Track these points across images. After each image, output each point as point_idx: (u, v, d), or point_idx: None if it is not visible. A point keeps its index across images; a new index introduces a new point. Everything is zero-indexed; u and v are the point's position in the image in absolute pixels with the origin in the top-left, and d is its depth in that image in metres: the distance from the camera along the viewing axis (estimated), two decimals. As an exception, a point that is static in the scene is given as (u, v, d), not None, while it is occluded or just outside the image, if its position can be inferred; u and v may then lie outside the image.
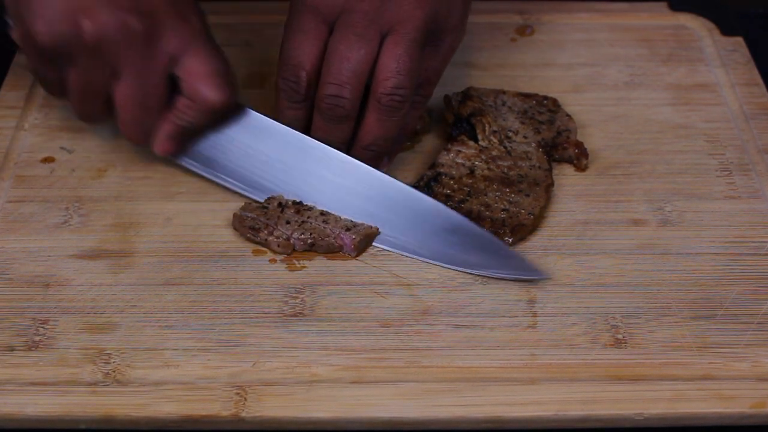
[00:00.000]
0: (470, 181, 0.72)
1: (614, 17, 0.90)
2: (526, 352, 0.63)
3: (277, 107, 0.72)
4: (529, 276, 0.67)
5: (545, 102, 0.79)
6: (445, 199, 0.71)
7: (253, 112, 0.72)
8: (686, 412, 0.60)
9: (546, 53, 0.87)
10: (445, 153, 0.74)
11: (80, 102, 0.70)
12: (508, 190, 0.72)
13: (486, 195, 0.72)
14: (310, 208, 0.71)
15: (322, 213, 0.70)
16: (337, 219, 0.70)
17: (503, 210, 0.71)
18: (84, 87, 0.68)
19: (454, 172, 0.73)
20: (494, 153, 0.74)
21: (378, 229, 0.69)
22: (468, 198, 0.71)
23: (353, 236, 0.69)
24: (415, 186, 0.72)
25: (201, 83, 0.68)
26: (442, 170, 0.73)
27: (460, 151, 0.74)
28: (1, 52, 0.85)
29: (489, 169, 0.73)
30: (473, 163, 0.74)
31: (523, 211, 0.71)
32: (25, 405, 0.60)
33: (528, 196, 0.72)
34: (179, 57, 0.68)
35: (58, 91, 0.71)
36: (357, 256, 0.69)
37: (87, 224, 0.71)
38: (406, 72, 0.68)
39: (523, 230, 0.70)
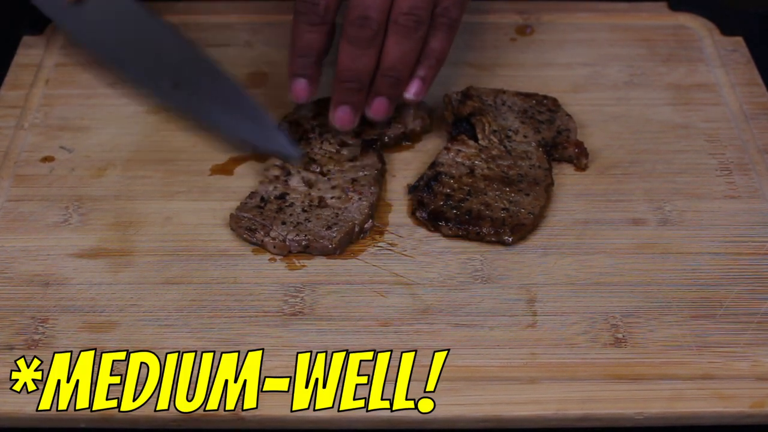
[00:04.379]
0: (470, 180, 0.72)
1: (614, 17, 0.90)
2: (526, 351, 0.63)
3: (294, 32, 0.72)
4: (285, 152, 0.71)
5: (545, 102, 0.79)
6: (445, 199, 0.71)
7: None
8: (686, 412, 0.60)
9: (546, 53, 0.86)
10: (445, 152, 0.74)
11: None
12: (508, 189, 0.72)
13: (486, 194, 0.72)
14: (291, 204, 0.71)
15: (304, 210, 0.70)
16: (318, 215, 0.70)
17: (503, 209, 0.71)
18: None
19: (454, 172, 0.73)
20: (494, 152, 0.74)
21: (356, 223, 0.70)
22: (468, 197, 0.71)
23: (334, 234, 0.69)
24: (415, 185, 0.73)
25: None
26: (442, 170, 0.73)
27: (460, 150, 0.74)
28: (1, 52, 0.85)
29: (489, 168, 0.73)
30: (473, 163, 0.74)
31: (523, 210, 0.71)
32: (25, 404, 0.60)
33: (528, 195, 0.72)
34: None
35: None
36: (341, 253, 0.69)
37: (86, 223, 0.71)
38: None
39: (523, 229, 0.70)
